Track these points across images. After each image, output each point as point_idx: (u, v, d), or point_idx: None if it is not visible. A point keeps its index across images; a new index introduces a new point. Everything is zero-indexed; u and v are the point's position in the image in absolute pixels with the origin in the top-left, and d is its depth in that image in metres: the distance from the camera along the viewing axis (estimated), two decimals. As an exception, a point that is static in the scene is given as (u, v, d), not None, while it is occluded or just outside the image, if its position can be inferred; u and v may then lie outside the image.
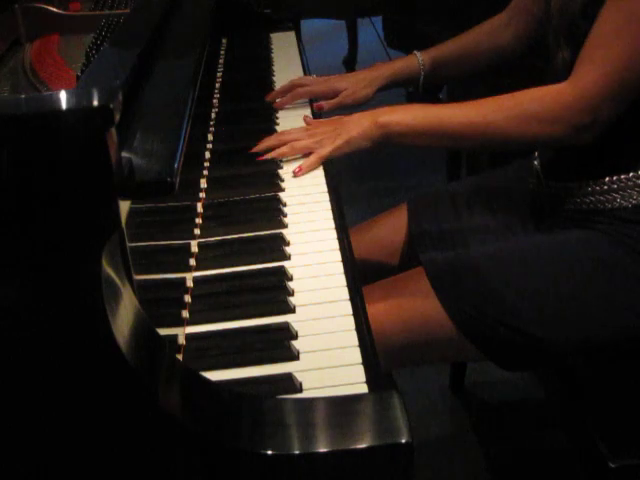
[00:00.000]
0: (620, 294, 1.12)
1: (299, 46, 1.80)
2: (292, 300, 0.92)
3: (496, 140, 1.16)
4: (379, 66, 1.47)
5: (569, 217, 1.20)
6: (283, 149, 1.25)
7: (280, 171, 1.22)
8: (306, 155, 1.24)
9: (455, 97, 2.11)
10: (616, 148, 1.15)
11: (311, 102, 1.47)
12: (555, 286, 1.13)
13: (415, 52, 1.46)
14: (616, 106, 1.08)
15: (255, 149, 1.26)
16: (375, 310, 1.06)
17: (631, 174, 1.13)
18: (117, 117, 0.64)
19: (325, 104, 1.41)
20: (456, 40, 1.46)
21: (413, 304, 1.15)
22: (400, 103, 1.28)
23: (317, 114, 1.42)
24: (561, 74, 1.14)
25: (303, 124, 1.35)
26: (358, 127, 1.21)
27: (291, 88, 1.48)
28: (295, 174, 1.21)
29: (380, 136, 1.20)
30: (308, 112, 1.42)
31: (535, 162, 1.27)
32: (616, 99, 1.07)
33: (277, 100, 1.48)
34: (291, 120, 1.39)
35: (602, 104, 1.07)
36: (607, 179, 1.14)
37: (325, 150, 1.22)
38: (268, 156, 1.25)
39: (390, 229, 1.41)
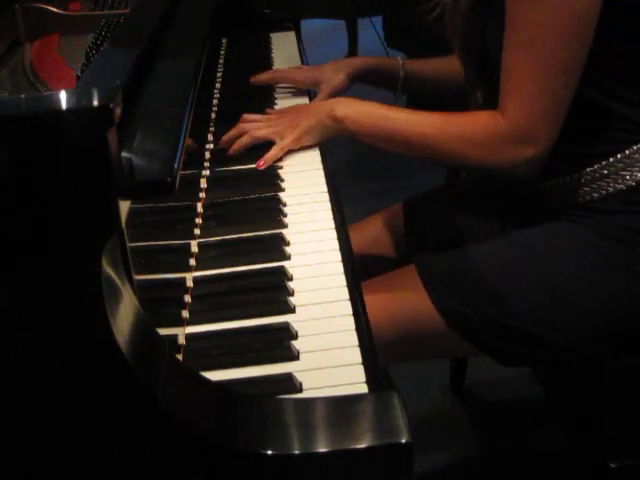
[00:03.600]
0: (610, 286, 1.12)
1: (299, 46, 1.80)
2: (292, 300, 0.92)
3: (436, 155, 1.16)
4: (359, 56, 1.50)
5: (553, 213, 1.20)
6: (244, 139, 1.26)
7: (280, 171, 1.22)
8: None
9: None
10: (578, 145, 1.15)
11: (310, 97, 1.47)
12: (546, 280, 1.14)
13: (398, 57, 1.49)
14: (551, 128, 1.07)
15: (221, 143, 1.27)
16: (369, 306, 1.06)
17: (596, 166, 1.13)
18: (117, 117, 0.64)
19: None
20: (440, 61, 1.46)
21: (405, 300, 1.16)
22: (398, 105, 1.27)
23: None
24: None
25: None
26: (315, 117, 1.23)
27: (273, 73, 1.53)
28: (258, 167, 1.22)
29: (334, 130, 1.22)
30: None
31: None
32: (549, 121, 1.07)
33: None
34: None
35: (537, 132, 1.07)
36: (575, 175, 1.15)
37: (285, 141, 1.24)
38: (232, 151, 1.26)
39: (386, 228, 1.42)
